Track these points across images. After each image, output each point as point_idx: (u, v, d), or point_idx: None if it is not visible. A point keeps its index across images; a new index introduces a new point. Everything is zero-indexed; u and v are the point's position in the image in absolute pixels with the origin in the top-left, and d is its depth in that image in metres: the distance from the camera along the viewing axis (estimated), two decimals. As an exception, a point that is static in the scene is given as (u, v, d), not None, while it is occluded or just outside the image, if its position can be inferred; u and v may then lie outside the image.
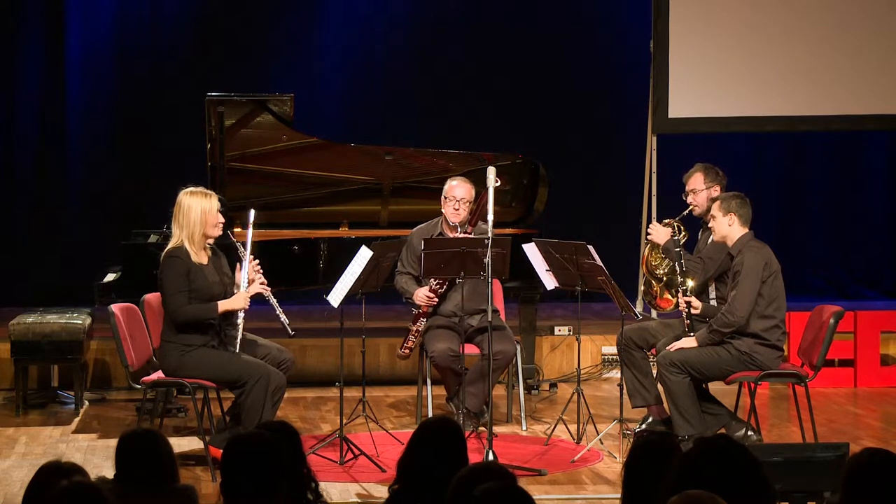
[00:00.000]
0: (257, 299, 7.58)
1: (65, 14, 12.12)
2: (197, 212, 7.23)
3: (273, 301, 7.47)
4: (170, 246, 7.27)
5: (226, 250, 7.60)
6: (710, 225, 7.71)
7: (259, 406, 7.09)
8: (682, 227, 8.03)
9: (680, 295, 7.75)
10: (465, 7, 12.58)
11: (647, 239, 8.23)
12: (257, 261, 7.51)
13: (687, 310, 7.70)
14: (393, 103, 12.54)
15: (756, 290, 7.41)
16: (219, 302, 7.24)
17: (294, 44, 12.45)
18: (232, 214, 8.40)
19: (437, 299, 8.18)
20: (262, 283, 7.45)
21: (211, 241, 7.40)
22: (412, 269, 8.29)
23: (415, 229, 8.44)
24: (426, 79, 12.58)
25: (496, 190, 7.48)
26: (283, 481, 3.89)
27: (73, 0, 12.14)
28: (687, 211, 8.10)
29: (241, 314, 7.34)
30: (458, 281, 7.92)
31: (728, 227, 7.54)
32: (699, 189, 8.06)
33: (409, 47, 12.61)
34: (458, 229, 8.13)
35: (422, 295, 8.15)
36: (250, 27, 12.40)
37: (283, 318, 7.46)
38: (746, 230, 7.56)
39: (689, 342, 7.57)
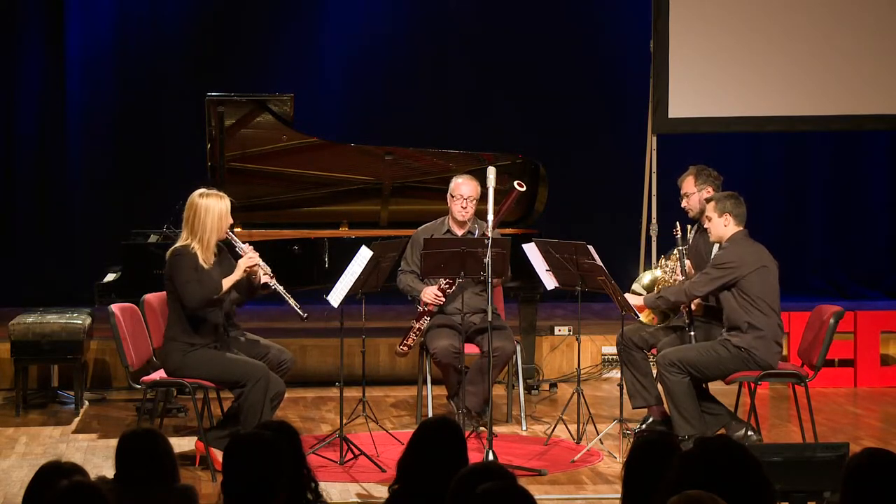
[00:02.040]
0: (264, 298, 7.56)
1: (65, 14, 12.12)
2: (215, 216, 7.13)
3: (279, 289, 7.36)
4: (176, 245, 7.23)
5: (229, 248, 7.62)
6: (706, 226, 7.72)
7: (258, 408, 7.08)
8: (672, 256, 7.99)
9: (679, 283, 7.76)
10: (465, 7, 12.58)
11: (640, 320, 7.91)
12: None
13: (688, 308, 7.72)
14: (393, 103, 12.53)
15: (721, 283, 7.45)
16: (223, 279, 7.19)
17: (294, 44, 12.44)
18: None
19: (444, 299, 8.17)
20: (266, 273, 7.39)
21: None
22: (417, 268, 8.27)
23: (420, 228, 8.43)
24: (426, 79, 12.59)
25: (508, 192, 7.48)
26: (283, 481, 3.89)
27: (73, 0, 12.14)
28: (677, 247, 7.99)
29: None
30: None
31: (724, 228, 7.57)
32: (690, 192, 8.09)
33: (410, 47, 12.61)
34: (476, 231, 8.11)
35: (430, 294, 8.14)
36: (250, 27, 12.41)
37: (291, 302, 7.36)
38: (740, 229, 7.57)
39: (635, 299, 7.72)
